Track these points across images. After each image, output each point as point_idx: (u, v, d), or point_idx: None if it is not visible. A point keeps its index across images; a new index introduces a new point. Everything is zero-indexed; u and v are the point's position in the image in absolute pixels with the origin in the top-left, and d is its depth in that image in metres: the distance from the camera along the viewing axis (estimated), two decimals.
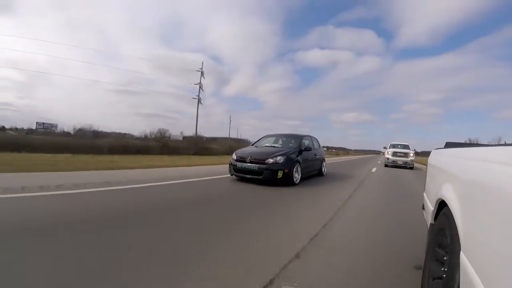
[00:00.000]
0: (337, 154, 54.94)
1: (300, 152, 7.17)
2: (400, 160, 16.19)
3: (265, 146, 7.79)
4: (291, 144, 7.63)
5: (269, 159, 6.25)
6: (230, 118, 55.42)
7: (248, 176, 6.42)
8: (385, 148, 18.25)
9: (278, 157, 6.31)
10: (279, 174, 6.13)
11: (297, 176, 6.66)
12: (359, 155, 69.48)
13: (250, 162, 6.40)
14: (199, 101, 29.33)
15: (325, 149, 11.82)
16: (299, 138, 7.90)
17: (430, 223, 1.85)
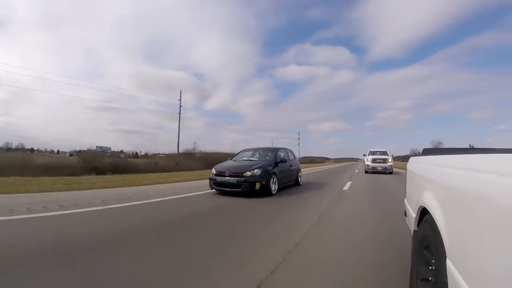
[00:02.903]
0: (313, 162, 55.89)
1: (276, 164, 7.59)
2: (379, 166, 16.76)
3: (243, 160, 8.17)
4: (267, 157, 8.04)
5: (247, 172, 6.62)
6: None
7: (227, 189, 6.73)
8: (364, 155, 18.76)
9: (255, 170, 6.70)
10: (256, 186, 6.50)
11: (274, 187, 7.06)
12: (338, 163, 71.04)
13: (229, 176, 6.74)
14: (180, 121, 29.28)
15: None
16: (274, 151, 8.36)
17: (414, 230, 1.86)
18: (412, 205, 2.11)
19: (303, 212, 4.91)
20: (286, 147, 9.66)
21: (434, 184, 1.49)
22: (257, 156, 8.50)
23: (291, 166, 8.84)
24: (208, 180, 7.33)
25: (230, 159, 8.69)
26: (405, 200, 2.60)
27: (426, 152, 2.46)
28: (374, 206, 5.83)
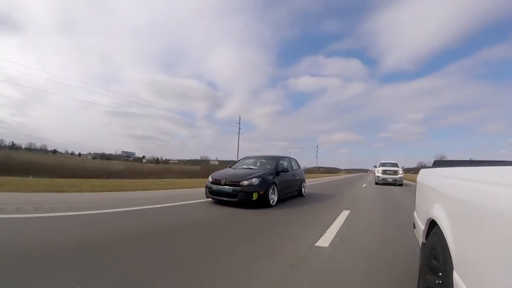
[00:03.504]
0: (330, 173, 54.44)
1: (277, 173, 7.13)
2: (389, 177, 16.64)
3: (242, 168, 7.72)
4: (268, 166, 7.58)
5: (244, 181, 6.17)
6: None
7: (223, 198, 6.29)
8: (375, 166, 18.63)
9: (253, 179, 6.24)
10: (254, 196, 6.03)
11: (273, 198, 6.58)
12: (349, 174, 69.79)
13: (225, 185, 6.30)
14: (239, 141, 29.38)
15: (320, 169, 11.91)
16: (276, 159, 7.89)
17: (422, 242, 1.86)
18: (421, 217, 2.10)
19: (299, 230, 4.28)
20: (289, 156, 9.21)
21: (443, 196, 1.49)
22: (258, 165, 8.04)
23: (294, 175, 8.35)
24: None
25: (230, 167, 8.26)
26: (414, 212, 2.57)
27: (437, 164, 2.49)
28: (381, 219, 5.45)
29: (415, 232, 2.38)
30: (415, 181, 2.76)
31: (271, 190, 6.49)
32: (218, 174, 7.01)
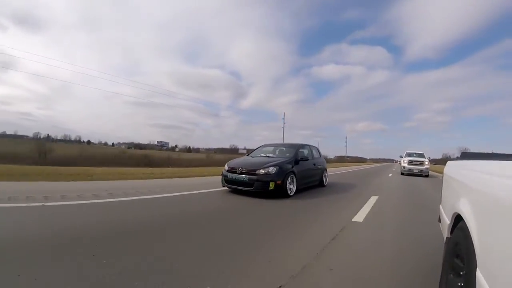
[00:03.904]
0: (360, 162, 53.20)
1: (296, 162, 6.78)
2: (415, 168, 16.32)
3: (260, 156, 7.43)
4: (287, 154, 7.25)
5: (260, 170, 5.88)
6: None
7: (239, 187, 6.06)
8: (401, 156, 18.44)
9: (270, 168, 5.94)
10: (270, 185, 5.74)
11: (291, 188, 6.25)
12: (376, 163, 67.84)
13: (241, 173, 6.04)
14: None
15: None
16: (295, 147, 7.51)
17: (446, 237, 1.81)
18: (446, 211, 2.06)
19: (316, 225, 3.90)
20: (310, 144, 8.78)
21: (469, 190, 1.46)
22: (277, 153, 7.71)
23: (314, 164, 7.95)
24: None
25: (247, 155, 8.01)
26: (440, 205, 2.52)
27: (464, 156, 2.44)
28: (408, 204, 6.00)
29: (440, 226, 2.33)
30: (440, 172, 2.64)
31: (289, 179, 6.16)
32: (234, 162, 6.77)
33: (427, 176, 15.99)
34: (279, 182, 5.82)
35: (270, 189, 5.74)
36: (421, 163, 16.40)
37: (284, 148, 7.84)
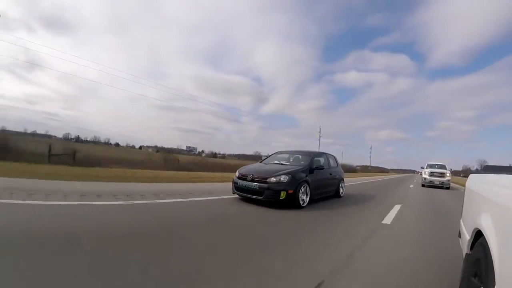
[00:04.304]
0: (383, 172, 52.08)
1: (311, 170, 6.43)
2: (436, 180, 16.03)
3: (273, 163, 7.14)
4: (302, 162, 6.92)
5: (272, 178, 5.59)
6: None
7: (248, 195, 5.79)
8: (422, 167, 18.11)
9: (282, 176, 5.64)
10: (282, 195, 5.43)
11: (304, 198, 5.91)
12: (398, 174, 65.44)
13: (251, 181, 5.78)
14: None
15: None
16: (310, 155, 7.16)
17: (466, 253, 1.75)
18: (467, 226, 2.00)
19: (327, 242, 3.49)
20: (327, 152, 8.39)
21: (491, 205, 1.40)
22: (292, 160, 7.41)
23: (330, 174, 7.55)
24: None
25: (260, 161, 7.74)
26: (461, 220, 2.45)
27: (487, 169, 2.49)
28: (429, 211, 6.62)
29: (460, 241, 2.27)
30: (461, 184, 2.44)
31: (302, 189, 5.83)
32: (245, 168, 6.53)
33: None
34: (291, 191, 5.51)
35: (281, 198, 5.43)
36: (443, 174, 16.13)
37: (299, 156, 7.52)
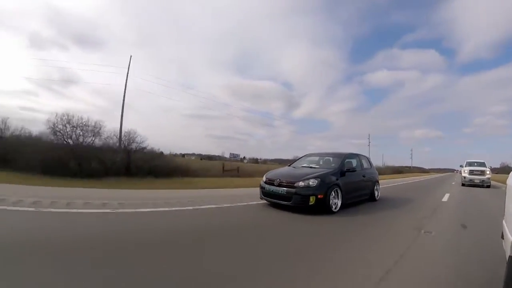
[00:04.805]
0: (425, 172, 50.59)
1: (342, 173, 6.09)
2: (476, 178, 15.61)
3: (302, 166, 6.87)
4: (333, 165, 6.59)
5: (299, 182, 5.35)
6: None
7: (276, 201, 5.59)
8: (461, 166, 17.69)
9: (311, 180, 5.37)
10: (311, 200, 5.17)
11: (336, 202, 5.59)
12: (436, 174, 61.53)
13: (279, 185, 5.57)
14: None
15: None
16: (341, 157, 6.80)
17: (509, 255, 1.71)
18: (510, 228, 1.85)
19: (364, 256, 3.04)
20: (359, 153, 7.96)
21: None
22: (322, 163, 7.10)
23: (363, 176, 7.13)
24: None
25: (289, 165, 7.51)
26: (503, 221, 2.26)
27: None
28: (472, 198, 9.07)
29: (503, 243, 2.14)
30: (502, 182, 2.50)
31: (333, 193, 5.52)
32: (273, 173, 6.33)
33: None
34: (320, 196, 5.22)
35: (310, 203, 5.17)
36: (482, 172, 15.62)
37: (330, 158, 7.18)
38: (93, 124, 15.56)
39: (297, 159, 7.79)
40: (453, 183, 18.89)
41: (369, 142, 52.55)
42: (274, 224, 4.55)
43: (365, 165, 7.73)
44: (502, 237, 2.23)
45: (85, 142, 15.31)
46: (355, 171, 6.75)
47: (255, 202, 6.27)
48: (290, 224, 4.53)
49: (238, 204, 6.19)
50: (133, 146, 17.09)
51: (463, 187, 15.25)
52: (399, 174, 41.39)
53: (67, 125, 14.87)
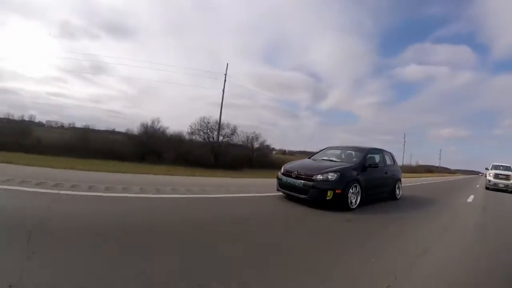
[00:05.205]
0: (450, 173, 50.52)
1: (363, 168, 5.85)
2: (501, 183, 15.02)
3: (322, 159, 6.67)
4: (354, 159, 6.34)
5: (318, 176, 5.18)
6: None
7: (293, 194, 5.47)
8: (486, 169, 17.29)
9: (330, 174, 5.19)
10: (328, 194, 5.00)
11: (355, 199, 5.39)
12: (464, 175, 58.94)
13: (296, 178, 5.43)
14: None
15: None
16: (364, 151, 6.52)
17: None
18: None
19: (372, 266, 2.63)
20: (383, 148, 7.62)
21: None
22: (343, 157, 6.84)
23: (385, 173, 6.83)
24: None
25: (309, 157, 7.32)
26: None
27: None
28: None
29: None
30: None
31: (352, 188, 5.31)
32: (291, 164, 6.18)
33: None
34: (338, 191, 5.04)
35: (327, 198, 5.01)
36: (508, 177, 14.94)
37: (352, 152, 6.90)
38: (229, 125, 20.79)
39: (318, 152, 7.59)
40: (478, 185, 18.46)
41: (404, 141, 54.89)
42: (283, 219, 4.43)
43: (388, 161, 7.40)
44: None
45: (221, 140, 20.00)
46: (377, 167, 6.47)
47: (270, 194, 6.18)
48: (302, 220, 4.42)
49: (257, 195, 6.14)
50: (256, 144, 22.12)
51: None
52: (430, 173, 44.68)
53: (206, 126, 20.04)
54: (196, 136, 20.78)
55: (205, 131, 20.83)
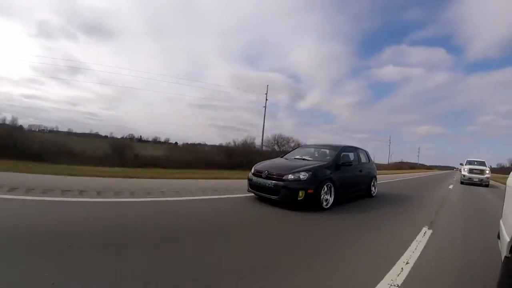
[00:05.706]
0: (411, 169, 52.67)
1: (336, 167, 5.62)
2: (475, 177, 15.75)
3: (295, 158, 6.40)
4: (328, 157, 6.11)
5: (289, 175, 4.88)
6: None
7: (263, 195, 5.13)
8: (461, 164, 17.95)
9: (301, 173, 4.90)
10: (300, 195, 4.70)
11: (328, 199, 5.13)
12: (437, 171, 61.57)
13: (266, 178, 5.11)
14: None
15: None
16: (337, 149, 6.30)
17: (505, 256, 1.62)
18: (507, 228, 1.76)
19: (345, 270, 2.42)
20: (358, 146, 7.47)
21: None
22: (316, 155, 6.61)
23: (360, 171, 6.65)
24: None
25: (281, 157, 7.02)
26: (501, 220, 2.15)
27: None
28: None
29: (499, 243, 2.07)
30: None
31: (325, 188, 5.05)
32: (262, 164, 5.84)
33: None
34: (310, 190, 4.76)
35: (299, 199, 4.71)
36: (482, 172, 15.79)
37: (326, 150, 6.67)
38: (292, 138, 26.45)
39: (291, 150, 7.31)
40: (454, 178, 20.52)
41: (390, 142, 58.50)
42: (249, 222, 4.05)
43: (363, 159, 7.26)
44: (498, 237, 2.14)
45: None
46: (352, 165, 6.27)
47: (241, 195, 5.82)
48: (270, 223, 4.08)
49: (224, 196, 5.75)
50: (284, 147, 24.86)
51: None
52: (413, 170, 47.91)
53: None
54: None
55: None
